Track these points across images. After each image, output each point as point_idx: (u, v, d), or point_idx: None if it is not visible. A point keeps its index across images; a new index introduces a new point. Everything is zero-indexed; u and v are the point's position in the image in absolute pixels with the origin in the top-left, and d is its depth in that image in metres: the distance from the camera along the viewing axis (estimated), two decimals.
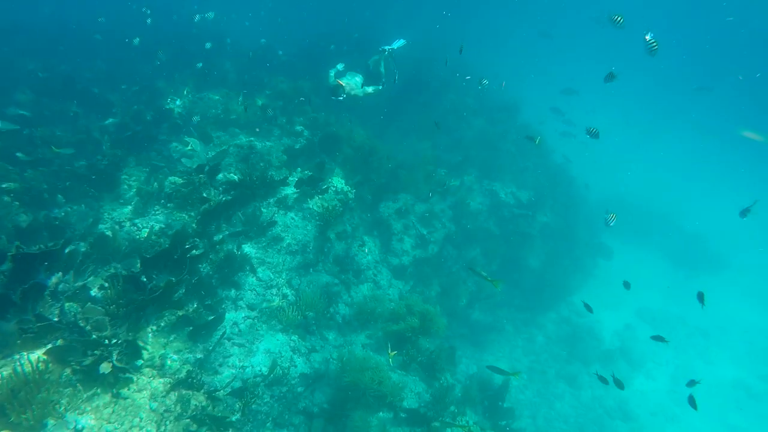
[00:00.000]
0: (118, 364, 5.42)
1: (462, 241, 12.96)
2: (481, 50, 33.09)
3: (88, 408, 5.06)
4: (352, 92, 9.19)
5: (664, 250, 25.35)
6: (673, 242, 25.23)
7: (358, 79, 9.62)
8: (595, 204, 21.96)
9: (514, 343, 15.56)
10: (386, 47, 10.47)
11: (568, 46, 44.25)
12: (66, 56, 14.82)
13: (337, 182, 10.14)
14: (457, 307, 12.99)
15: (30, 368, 4.82)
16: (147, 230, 7.85)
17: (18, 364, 4.80)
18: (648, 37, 6.32)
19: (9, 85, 11.27)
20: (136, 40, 15.46)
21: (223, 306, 7.34)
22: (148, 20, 15.24)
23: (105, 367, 5.33)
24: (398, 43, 10.77)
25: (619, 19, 6.62)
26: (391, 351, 7.41)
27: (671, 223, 26.59)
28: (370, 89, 9.49)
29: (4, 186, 7.26)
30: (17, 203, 7.25)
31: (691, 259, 24.61)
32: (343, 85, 8.85)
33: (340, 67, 10.40)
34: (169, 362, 6.09)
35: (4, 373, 4.74)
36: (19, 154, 8.05)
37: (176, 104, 12.32)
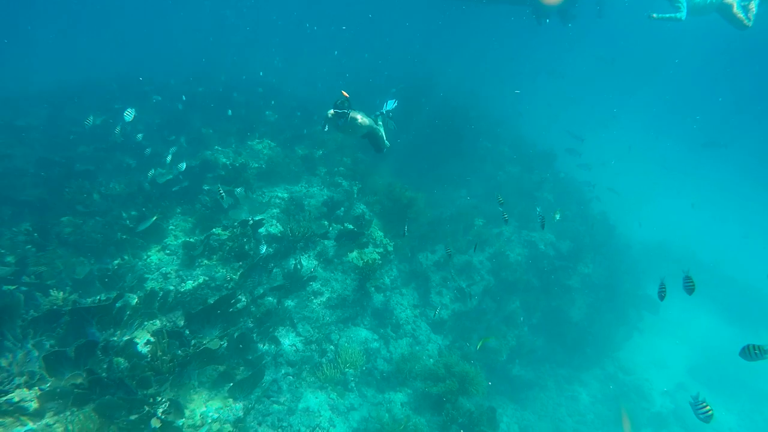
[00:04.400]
0: (163, 417, 5.41)
1: (501, 293, 12.59)
2: (501, 91, 33.59)
3: None
4: (355, 114, 7.23)
5: (716, 302, 23.84)
6: (725, 295, 23.71)
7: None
8: (639, 254, 21.09)
9: (557, 401, 14.67)
10: (381, 111, 9.04)
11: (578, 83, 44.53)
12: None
13: (376, 234, 10.16)
14: (497, 362, 12.47)
15: (79, 426, 4.86)
16: (191, 282, 8.00)
17: (68, 422, 4.85)
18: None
19: (77, 140, 12.11)
20: (183, 98, 16.61)
21: (264, 362, 7.28)
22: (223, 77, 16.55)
23: (155, 423, 5.35)
24: (390, 105, 9.69)
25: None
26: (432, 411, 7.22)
27: (720, 274, 25.13)
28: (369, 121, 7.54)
29: (71, 240, 7.64)
30: (78, 254, 7.58)
31: (745, 313, 23.00)
32: (348, 97, 7.04)
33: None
34: (209, 421, 6.02)
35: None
36: (79, 207, 8.50)
37: (222, 154, 12.86)
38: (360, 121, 7.18)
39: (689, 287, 5.53)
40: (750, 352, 4.81)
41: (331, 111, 7.02)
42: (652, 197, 37.06)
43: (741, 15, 9.96)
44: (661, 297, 5.82)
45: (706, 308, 23.73)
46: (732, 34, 11.67)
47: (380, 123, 8.24)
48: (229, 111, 15.65)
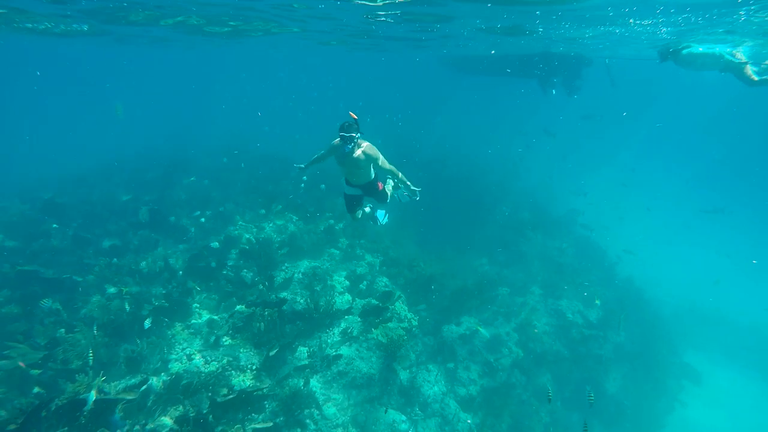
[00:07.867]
0: None
1: (531, 366, 12.05)
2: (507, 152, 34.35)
3: None
4: (363, 141, 6.32)
5: (763, 369, 22.26)
6: None
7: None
8: (670, 318, 20.20)
9: None
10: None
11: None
12: (150, 187, 16.58)
13: (400, 308, 10.00)
14: None
15: None
16: (216, 363, 7.87)
17: None
18: None
19: (107, 216, 12.58)
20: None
21: None
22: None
23: None
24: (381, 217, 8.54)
25: None
26: None
27: (763, 336, 23.71)
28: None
29: (100, 322, 7.71)
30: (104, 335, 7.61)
31: None
32: (357, 119, 6.02)
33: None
34: None
35: None
36: (108, 287, 8.64)
37: (245, 230, 13.12)
38: (369, 149, 6.28)
39: None
40: None
41: (336, 140, 6.14)
42: (673, 254, 36.00)
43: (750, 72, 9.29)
44: None
45: (754, 376, 22.14)
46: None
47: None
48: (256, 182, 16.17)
